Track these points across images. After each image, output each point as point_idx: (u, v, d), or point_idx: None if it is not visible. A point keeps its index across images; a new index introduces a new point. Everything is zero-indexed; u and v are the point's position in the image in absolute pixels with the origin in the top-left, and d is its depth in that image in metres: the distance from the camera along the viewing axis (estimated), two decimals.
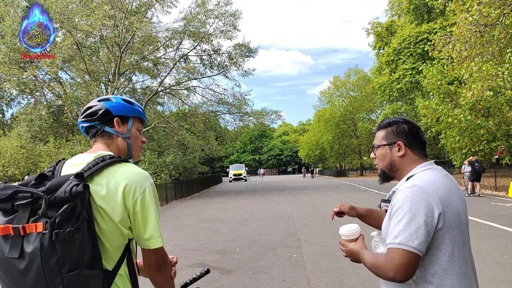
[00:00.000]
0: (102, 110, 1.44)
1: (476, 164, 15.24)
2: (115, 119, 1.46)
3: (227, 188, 30.23)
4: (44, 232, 1.11)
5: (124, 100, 1.51)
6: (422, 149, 1.55)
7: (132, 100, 1.55)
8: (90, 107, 1.47)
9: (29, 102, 21.94)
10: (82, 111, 1.50)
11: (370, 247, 1.51)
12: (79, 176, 1.23)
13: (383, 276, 1.37)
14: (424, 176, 1.42)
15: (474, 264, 1.48)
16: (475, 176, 15.31)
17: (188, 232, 9.35)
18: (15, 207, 1.17)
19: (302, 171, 56.85)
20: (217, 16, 22.01)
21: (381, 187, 22.51)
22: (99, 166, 1.30)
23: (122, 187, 1.30)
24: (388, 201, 1.51)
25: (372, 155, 1.64)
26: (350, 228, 1.55)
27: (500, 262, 5.50)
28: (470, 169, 15.47)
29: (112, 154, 1.40)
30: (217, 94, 25.14)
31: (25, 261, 1.12)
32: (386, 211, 1.53)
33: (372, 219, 1.85)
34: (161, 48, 22.33)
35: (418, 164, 1.50)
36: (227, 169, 60.45)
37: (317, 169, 60.51)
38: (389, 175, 1.57)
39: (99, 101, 1.48)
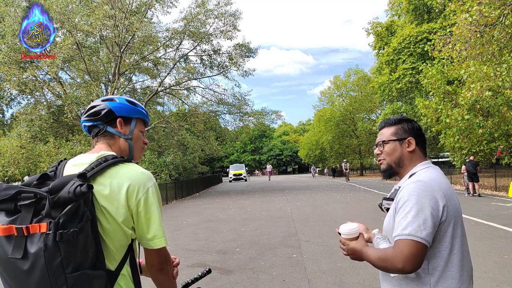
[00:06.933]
0: (105, 110, 1.44)
1: (467, 163, 15.44)
2: (117, 120, 1.46)
3: (227, 188, 30.19)
4: (48, 232, 1.11)
5: (128, 101, 1.51)
6: (425, 148, 1.63)
7: (136, 102, 1.55)
8: (94, 107, 1.47)
9: (29, 102, 21.86)
10: (85, 110, 1.50)
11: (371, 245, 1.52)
12: (82, 176, 1.23)
13: (391, 268, 1.39)
14: (427, 173, 1.49)
15: (470, 258, 1.53)
16: (469, 176, 15.40)
17: (188, 232, 9.35)
18: (18, 207, 1.17)
19: (344, 167, 34.79)
20: (217, 16, 22.00)
21: (381, 187, 22.51)
22: (102, 166, 1.30)
23: (125, 187, 1.30)
24: (390, 199, 1.55)
25: (376, 151, 1.68)
26: (350, 227, 1.57)
27: (500, 262, 5.49)
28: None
29: (115, 154, 1.40)
30: (217, 94, 25.12)
31: (29, 261, 1.12)
32: (387, 209, 1.57)
33: None
34: (161, 48, 22.30)
35: (422, 161, 1.58)
36: (227, 169, 60.32)
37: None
38: (395, 170, 1.62)
39: (103, 101, 1.48)
